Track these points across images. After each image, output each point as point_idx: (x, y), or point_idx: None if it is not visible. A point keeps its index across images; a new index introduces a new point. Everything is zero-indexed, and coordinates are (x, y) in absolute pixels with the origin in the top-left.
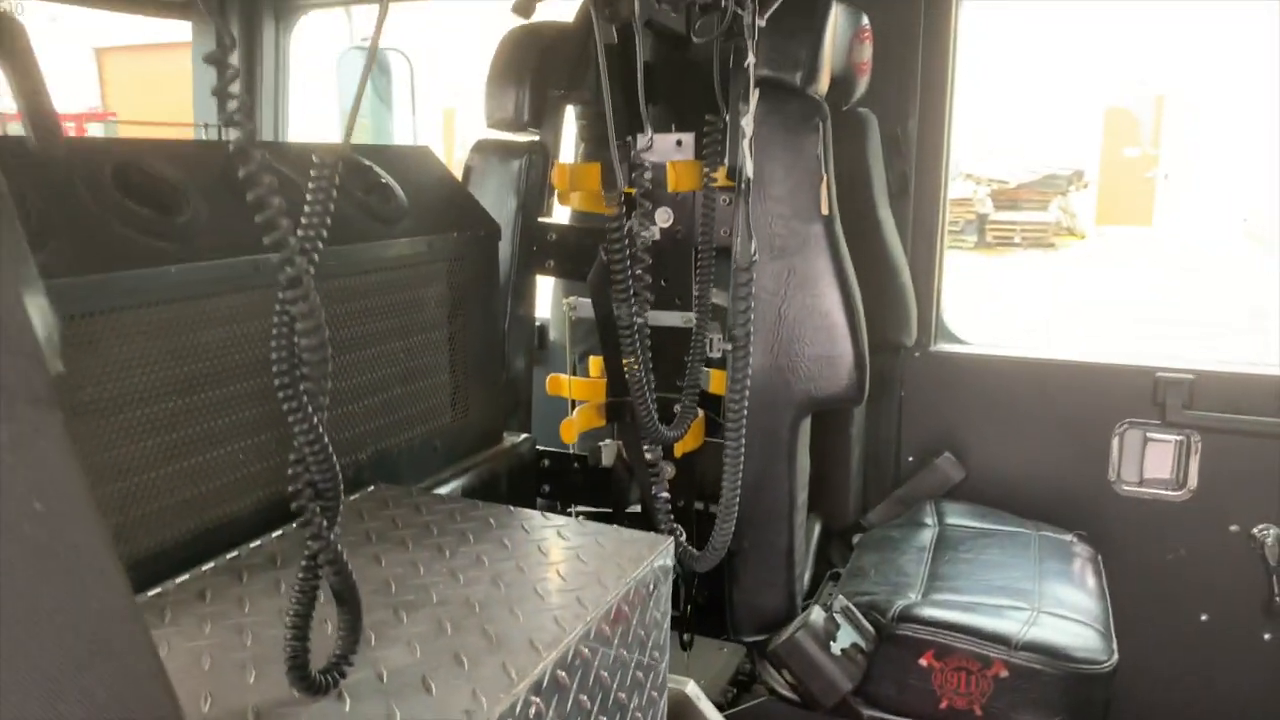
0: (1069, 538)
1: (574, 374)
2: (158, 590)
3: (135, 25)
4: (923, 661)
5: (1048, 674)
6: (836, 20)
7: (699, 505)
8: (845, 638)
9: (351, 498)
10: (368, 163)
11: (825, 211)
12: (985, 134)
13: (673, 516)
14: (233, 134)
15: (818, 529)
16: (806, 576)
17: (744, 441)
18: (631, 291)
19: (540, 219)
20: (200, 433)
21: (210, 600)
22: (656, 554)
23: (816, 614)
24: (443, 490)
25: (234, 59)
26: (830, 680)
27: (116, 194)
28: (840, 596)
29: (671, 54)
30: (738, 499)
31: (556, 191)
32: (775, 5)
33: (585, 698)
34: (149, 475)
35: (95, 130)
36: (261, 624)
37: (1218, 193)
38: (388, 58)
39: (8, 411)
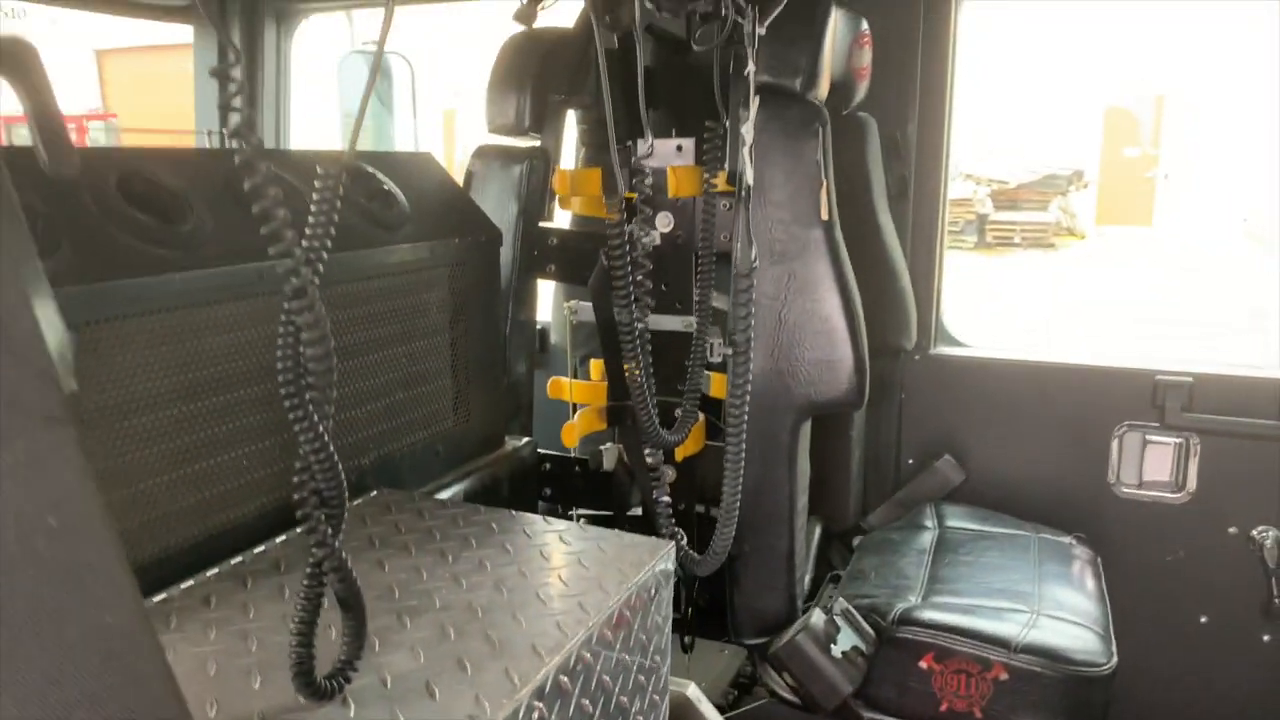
0: (1068, 540)
1: (575, 377)
2: (163, 596)
3: (135, 27)
4: (923, 664)
5: (1047, 676)
6: (836, 26)
7: (700, 508)
8: (846, 640)
9: (354, 503)
10: (370, 169)
11: (825, 216)
12: (985, 134)
13: (674, 520)
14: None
15: (818, 531)
16: (807, 579)
17: (744, 446)
18: (632, 296)
19: (541, 223)
20: (204, 439)
21: (215, 606)
22: (658, 558)
23: (817, 617)
24: (445, 494)
25: (237, 72)
26: (831, 683)
27: (121, 202)
28: (840, 599)
29: (672, 58)
30: (738, 503)
31: (557, 196)
32: (775, 13)
33: (587, 702)
34: (153, 481)
35: (96, 130)
36: (266, 629)
37: (1218, 193)
38: (389, 61)
39: (23, 430)
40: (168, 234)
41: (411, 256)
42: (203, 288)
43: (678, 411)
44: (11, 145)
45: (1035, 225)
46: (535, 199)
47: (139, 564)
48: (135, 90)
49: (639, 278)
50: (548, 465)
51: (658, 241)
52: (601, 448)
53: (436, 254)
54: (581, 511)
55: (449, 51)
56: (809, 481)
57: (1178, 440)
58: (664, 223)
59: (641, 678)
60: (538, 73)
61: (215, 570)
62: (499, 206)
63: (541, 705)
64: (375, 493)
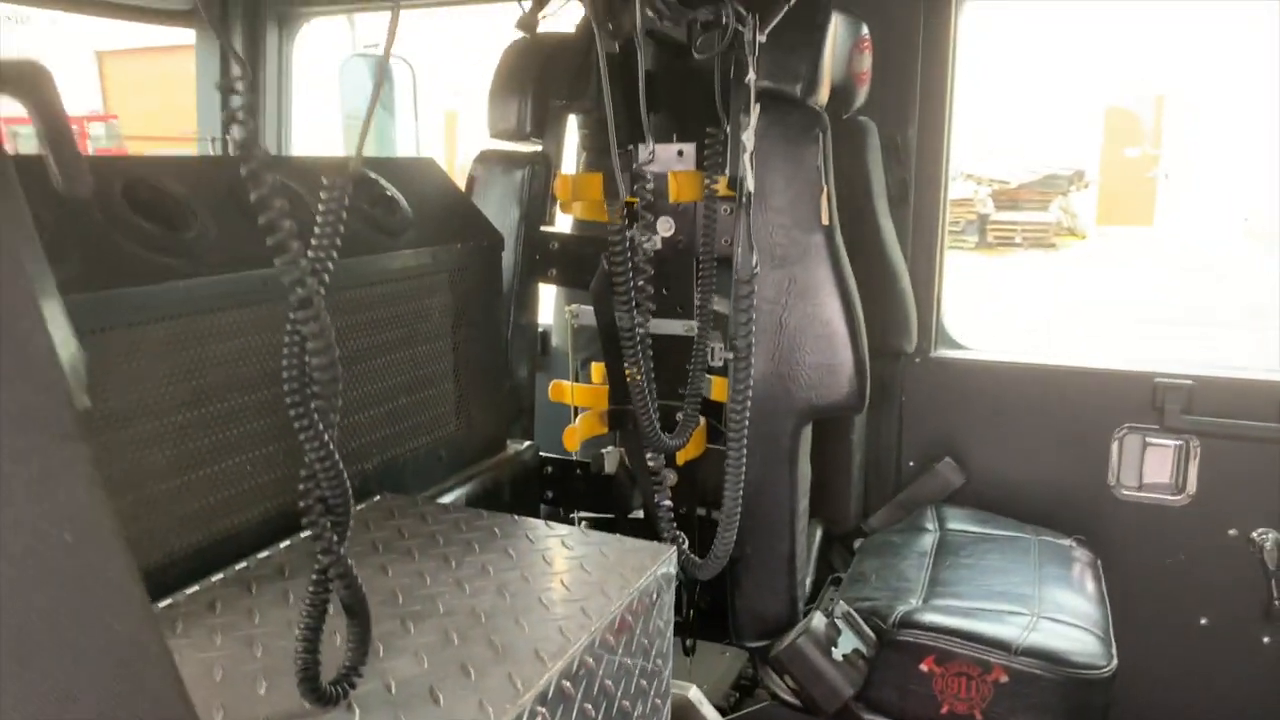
0: (1068, 542)
1: (576, 380)
2: (169, 601)
3: (136, 28)
4: (923, 667)
5: (1047, 679)
6: (836, 31)
7: (701, 511)
8: (846, 643)
9: (358, 507)
10: (373, 175)
11: (825, 221)
12: (986, 134)
13: (675, 524)
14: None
15: (819, 534)
16: (808, 582)
17: (745, 450)
18: (633, 300)
19: (543, 228)
20: (208, 445)
21: (220, 611)
22: (659, 563)
23: (818, 620)
24: (447, 498)
25: (241, 84)
26: (832, 686)
27: (127, 210)
28: (841, 602)
29: (673, 62)
30: (739, 507)
31: (559, 201)
32: (775, 21)
33: (590, 706)
34: (158, 487)
35: (97, 131)
36: (271, 635)
37: (1219, 193)
38: (390, 64)
39: (38, 446)
40: (172, 242)
41: (414, 262)
42: (207, 295)
43: (679, 415)
44: (19, 155)
45: (1036, 225)
46: (537, 204)
47: (144, 569)
48: (136, 91)
49: (640, 283)
50: (549, 468)
51: (659, 246)
52: (603, 451)
53: (439, 259)
54: (583, 515)
55: (450, 53)
56: (810, 484)
57: (1178, 442)
58: (665, 227)
59: (643, 681)
60: (539, 78)
61: (220, 575)
62: (501, 211)
63: (544, 710)
64: (378, 497)
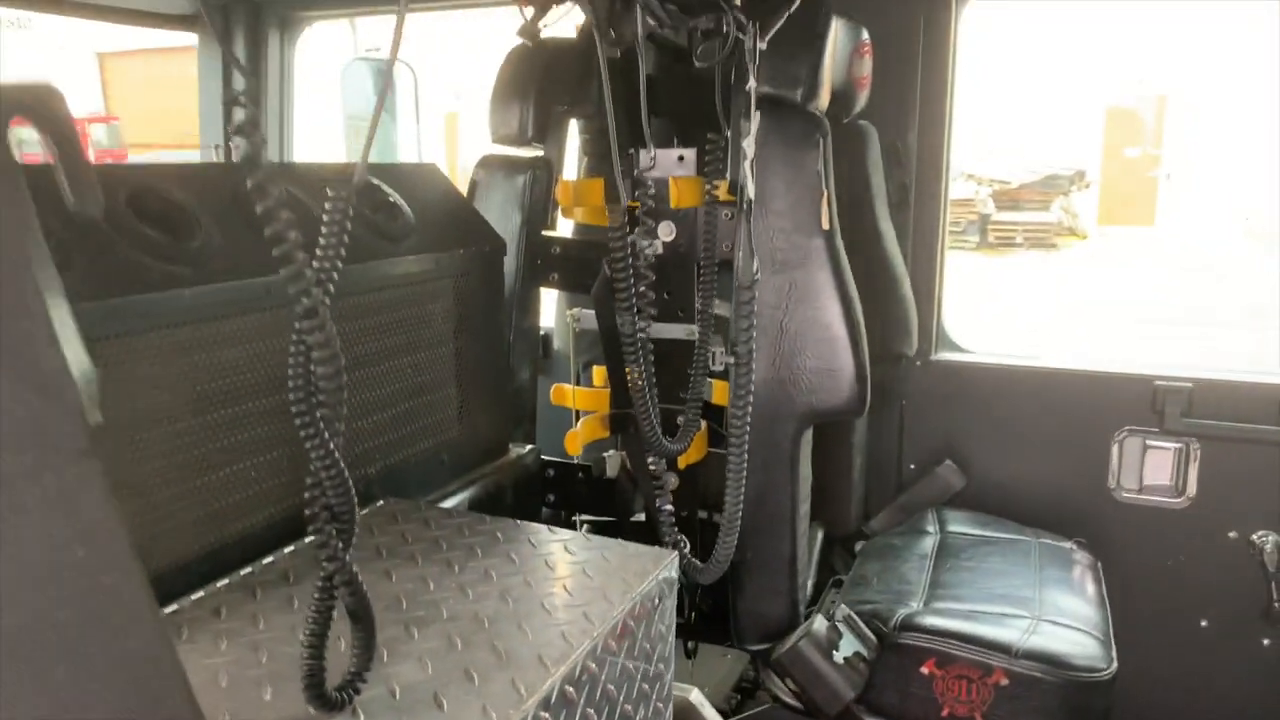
0: (1069, 545)
1: (578, 384)
2: (174, 607)
3: (138, 30)
4: (924, 670)
5: (1048, 682)
6: (836, 36)
7: (703, 514)
8: (848, 646)
9: (361, 513)
10: (376, 181)
11: (826, 226)
12: (987, 134)
13: (676, 528)
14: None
15: (820, 537)
16: (809, 584)
17: (746, 457)
18: (634, 305)
19: (544, 232)
20: (213, 451)
21: (225, 617)
22: (661, 568)
23: (819, 623)
24: (450, 503)
25: (241, 83)
26: (833, 689)
27: (132, 219)
28: (842, 605)
29: (674, 66)
30: (741, 512)
31: (560, 206)
32: (776, 28)
33: (593, 711)
34: (163, 493)
35: (98, 133)
36: (276, 640)
37: (1220, 192)
38: (392, 68)
39: (53, 464)
40: (177, 250)
41: (417, 268)
42: (212, 302)
43: (680, 419)
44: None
45: (1037, 225)
46: (538, 208)
47: (150, 575)
48: (137, 93)
49: (641, 289)
50: (551, 472)
51: (660, 250)
52: (604, 455)
53: (441, 265)
54: (585, 518)
55: (451, 54)
56: (811, 487)
57: (1178, 445)
58: (666, 232)
59: (645, 685)
60: (541, 84)
61: (225, 581)
62: (503, 216)
63: (547, 715)
64: (382, 502)
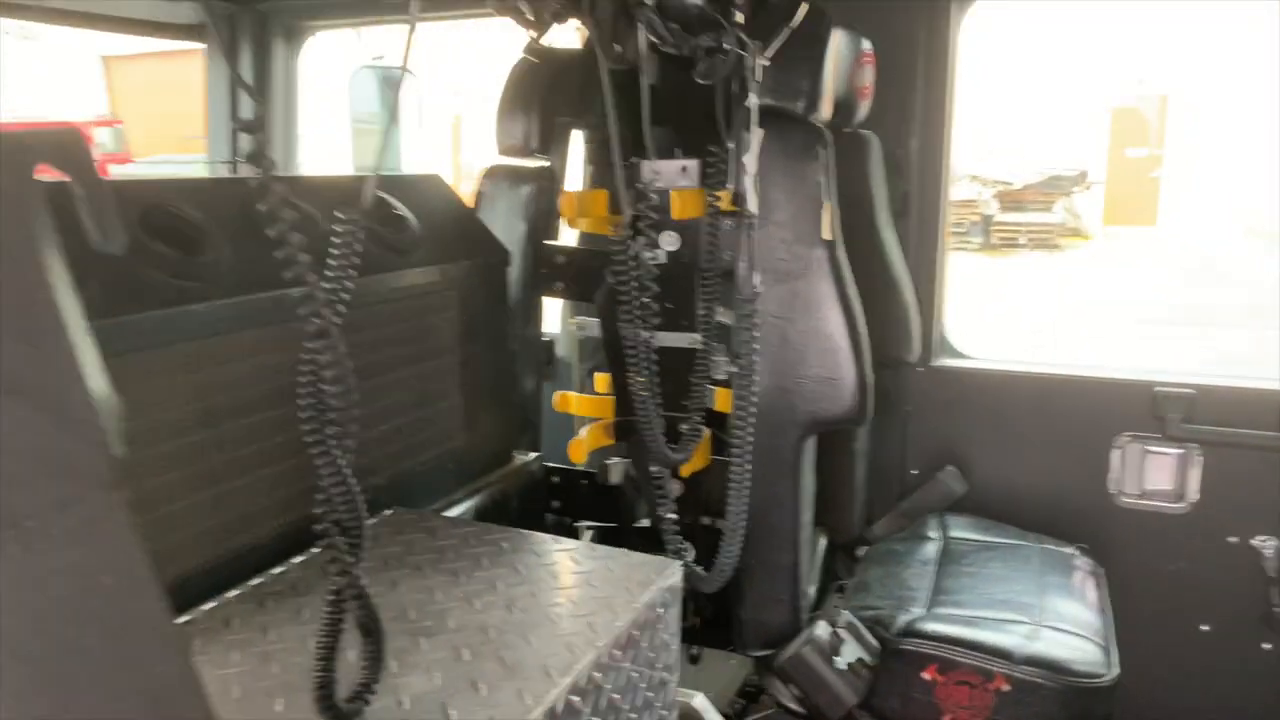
0: (1070, 550)
1: (582, 390)
2: (186, 618)
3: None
4: (926, 675)
5: (1049, 688)
6: (838, 47)
7: (706, 521)
8: (850, 652)
9: (368, 522)
10: (382, 194)
11: (828, 236)
12: (990, 135)
13: (680, 537)
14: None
15: (823, 542)
16: (812, 590)
17: (749, 467)
18: (637, 316)
19: (548, 242)
20: (222, 463)
21: (236, 628)
22: (664, 577)
23: (822, 629)
24: (456, 511)
25: (248, 88)
26: (835, 694)
27: (144, 236)
28: (845, 611)
29: (677, 75)
30: (743, 521)
31: (564, 216)
32: (777, 45)
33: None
34: (174, 506)
35: (103, 137)
36: (286, 651)
37: (1223, 192)
38: (397, 74)
39: (80, 496)
40: (189, 266)
41: (422, 279)
42: (222, 318)
43: (683, 427)
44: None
45: (1040, 226)
46: (543, 218)
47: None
48: (142, 96)
49: (644, 301)
50: (555, 479)
51: (663, 260)
52: (608, 462)
53: (447, 276)
54: (588, 524)
55: (456, 59)
56: (814, 494)
57: (1178, 450)
58: (669, 242)
59: (650, 693)
60: (544, 96)
61: (235, 592)
62: (508, 226)
63: None
64: (389, 512)
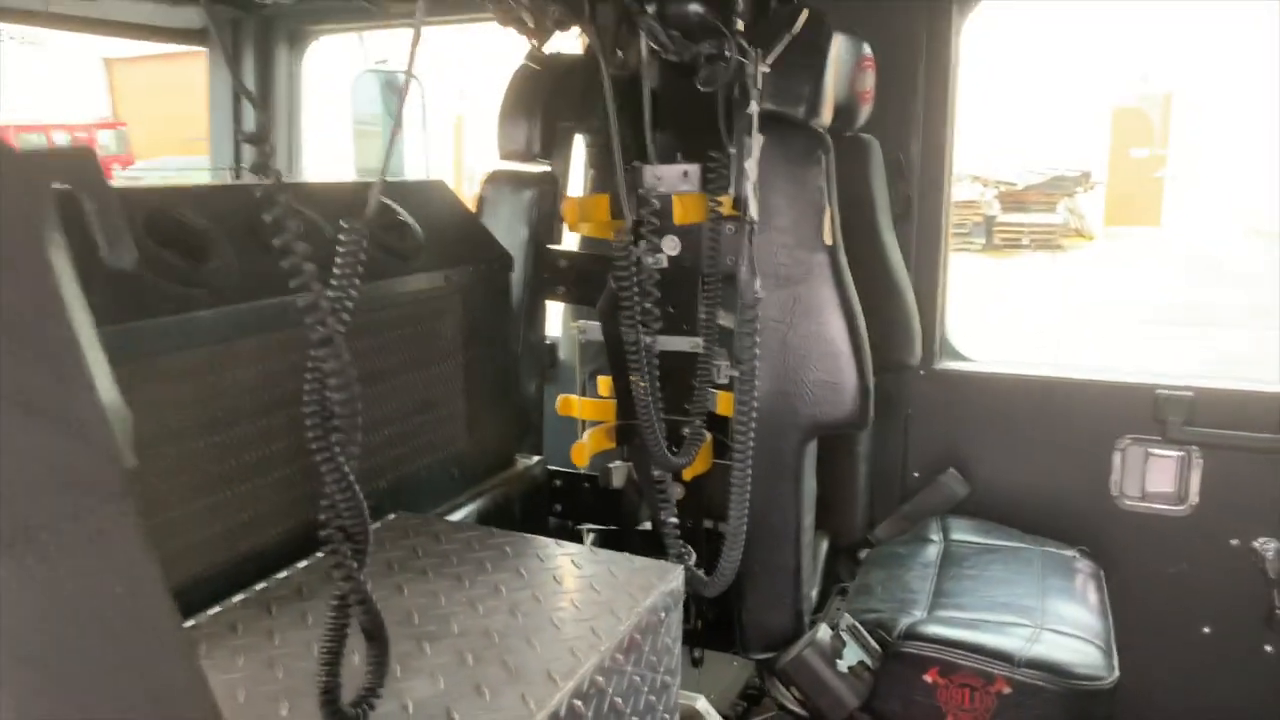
0: (1071, 553)
1: (584, 393)
2: (191, 623)
3: None
4: (927, 678)
5: (1049, 691)
6: (839, 51)
7: (708, 524)
8: (852, 655)
9: (372, 527)
10: (386, 200)
11: (829, 241)
12: (992, 136)
13: (681, 541)
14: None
15: (825, 545)
16: (814, 593)
17: (750, 471)
18: (639, 320)
19: (551, 246)
20: (227, 468)
21: (241, 633)
22: (666, 581)
23: (823, 632)
24: (459, 515)
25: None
26: (837, 697)
27: (149, 243)
28: (847, 614)
29: (678, 79)
30: (745, 526)
31: (566, 221)
32: (778, 51)
33: None
34: (180, 511)
35: (106, 139)
36: (291, 656)
37: (1227, 192)
38: (400, 79)
39: (93, 507)
40: (194, 273)
41: (426, 285)
42: (227, 324)
43: (686, 430)
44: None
45: (1043, 227)
46: (545, 223)
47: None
48: (144, 98)
49: (646, 306)
50: (558, 482)
51: (664, 265)
52: (610, 465)
53: (450, 281)
54: (591, 527)
55: (459, 61)
56: (816, 497)
57: (1179, 453)
58: (670, 246)
59: (652, 697)
60: (546, 100)
61: (240, 597)
62: (510, 230)
63: None
64: (392, 516)
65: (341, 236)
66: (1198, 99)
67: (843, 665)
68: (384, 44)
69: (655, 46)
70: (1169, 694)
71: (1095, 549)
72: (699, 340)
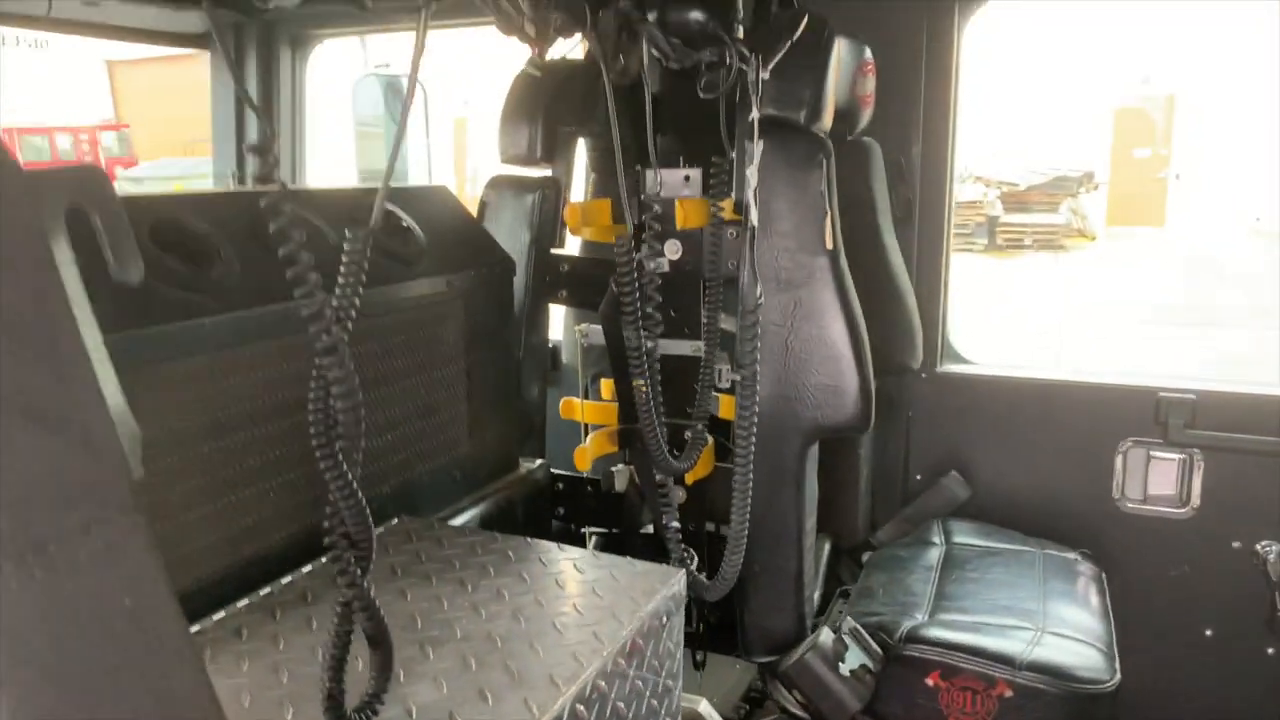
0: (1073, 556)
1: (586, 397)
2: (197, 628)
3: None
4: (929, 681)
5: (1051, 694)
6: (840, 55)
7: (710, 527)
8: (854, 659)
9: (376, 531)
10: (389, 206)
11: (830, 245)
12: (995, 136)
13: (683, 545)
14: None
15: (827, 548)
16: (816, 596)
17: (752, 475)
18: (640, 324)
19: (553, 250)
20: (232, 473)
21: (246, 638)
22: (668, 586)
23: (825, 635)
24: (462, 518)
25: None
26: (839, 700)
27: (155, 250)
28: (849, 618)
29: (680, 83)
30: (746, 530)
31: (568, 226)
32: (778, 57)
33: None
34: (185, 516)
35: (109, 141)
36: (296, 661)
37: (1230, 192)
38: (402, 82)
39: (103, 520)
40: (198, 280)
41: (429, 290)
42: (231, 330)
43: (687, 434)
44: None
45: (1046, 227)
46: (547, 227)
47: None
48: (146, 99)
49: (648, 311)
50: (560, 485)
51: (666, 269)
52: (613, 469)
53: (453, 286)
54: (593, 530)
55: (462, 62)
56: (818, 499)
57: (1181, 456)
58: (672, 251)
59: (654, 701)
60: (548, 105)
61: (245, 601)
62: (512, 235)
63: None
64: (396, 520)
65: (346, 246)
66: (1200, 100)
67: (845, 669)
68: (386, 48)
69: (656, 53)
70: (1171, 697)
71: (1097, 552)
72: (700, 344)
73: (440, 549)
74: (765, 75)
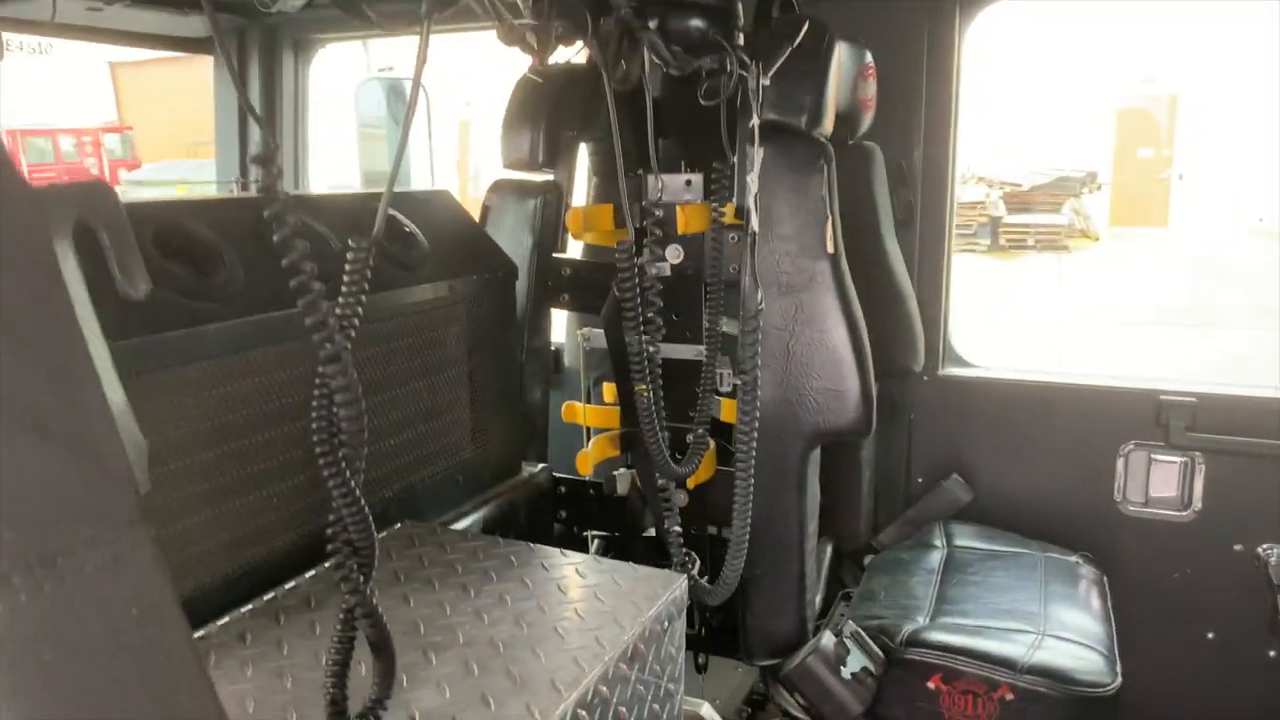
0: (1074, 559)
1: (588, 401)
2: (201, 633)
3: None
4: (930, 685)
5: (1052, 697)
6: (841, 60)
7: (712, 530)
8: (855, 662)
9: (379, 536)
10: (392, 212)
11: (831, 250)
12: (997, 136)
13: (685, 549)
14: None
15: (829, 551)
16: (818, 599)
17: (753, 479)
18: (641, 328)
19: (555, 254)
20: (235, 479)
21: (250, 643)
22: (670, 591)
23: (827, 639)
24: (464, 523)
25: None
26: (841, 704)
27: (158, 257)
28: (850, 621)
29: (681, 88)
30: (748, 534)
31: (570, 230)
32: (779, 64)
33: None
34: (188, 521)
35: (111, 142)
36: (300, 666)
37: (1233, 193)
38: (405, 85)
39: (110, 535)
40: (202, 286)
41: (431, 295)
42: (235, 336)
43: (689, 438)
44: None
45: (1048, 228)
46: (549, 231)
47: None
48: (149, 102)
49: (649, 316)
50: (563, 489)
51: (667, 273)
52: (615, 473)
53: (455, 290)
54: (596, 534)
55: (464, 63)
56: (820, 503)
57: (1183, 459)
58: (674, 255)
59: (656, 705)
60: (550, 111)
61: (249, 606)
62: (514, 239)
63: None
64: (399, 525)
65: (349, 255)
66: (1203, 100)
67: (846, 672)
68: (390, 53)
69: (657, 60)
70: (1172, 700)
71: (1098, 555)
72: (702, 348)
73: (443, 553)
74: (766, 81)
